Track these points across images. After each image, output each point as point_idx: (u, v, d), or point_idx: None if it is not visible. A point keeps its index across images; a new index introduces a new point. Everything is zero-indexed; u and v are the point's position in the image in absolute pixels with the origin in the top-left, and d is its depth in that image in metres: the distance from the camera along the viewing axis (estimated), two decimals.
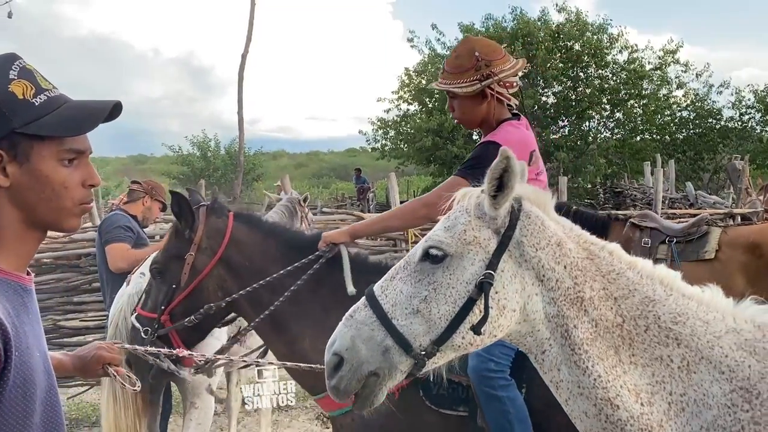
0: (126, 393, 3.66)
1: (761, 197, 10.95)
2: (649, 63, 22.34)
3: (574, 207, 4.61)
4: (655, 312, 1.59)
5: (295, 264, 2.65)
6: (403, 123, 23.78)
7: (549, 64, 20.50)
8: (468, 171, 2.44)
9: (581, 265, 1.63)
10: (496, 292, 1.59)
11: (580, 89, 22.03)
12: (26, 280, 1.27)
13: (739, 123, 24.36)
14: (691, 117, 24.41)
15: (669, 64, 22.50)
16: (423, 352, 1.60)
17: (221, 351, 2.84)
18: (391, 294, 1.64)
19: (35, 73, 1.26)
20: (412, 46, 23.27)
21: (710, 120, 24.23)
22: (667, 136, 23.81)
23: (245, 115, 12.56)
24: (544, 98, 22.07)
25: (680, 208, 11.40)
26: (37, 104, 1.22)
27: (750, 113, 24.39)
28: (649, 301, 1.60)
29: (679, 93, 23.91)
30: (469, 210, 1.66)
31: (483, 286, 1.57)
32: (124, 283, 3.91)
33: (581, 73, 22.04)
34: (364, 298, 1.68)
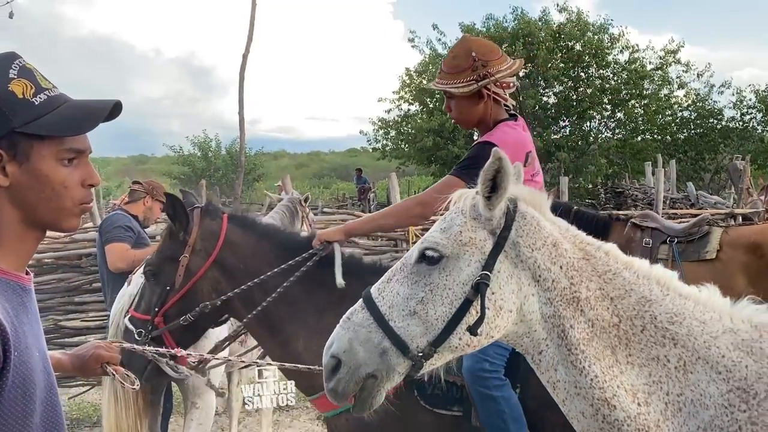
0: (127, 393, 3.66)
1: (762, 197, 10.93)
2: (650, 63, 22.32)
3: (575, 207, 4.62)
4: (651, 312, 1.59)
5: (289, 262, 2.65)
6: (404, 123, 23.77)
7: (550, 64, 20.48)
8: (463, 171, 2.45)
9: (577, 266, 1.63)
10: (493, 293, 1.59)
11: (581, 89, 22.00)
12: (25, 279, 1.27)
13: (741, 123, 24.32)
14: (692, 117, 24.38)
15: (670, 64, 22.47)
16: (420, 354, 1.60)
17: (214, 350, 2.84)
18: (388, 296, 1.64)
19: (35, 73, 1.26)
20: (412, 46, 23.29)
21: (711, 120, 24.19)
22: (668, 136, 23.77)
23: (246, 115, 12.57)
24: (545, 98, 22.05)
25: (681, 209, 11.38)
26: (37, 103, 1.22)
27: (751, 113, 24.36)
28: (646, 301, 1.60)
29: (680, 93, 23.92)
30: (464, 211, 1.67)
31: (479, 287, 1.57)
32: (125, 283, 3.91)
33: (582, 73, 22.02)
34: (361, 300, 1.68)
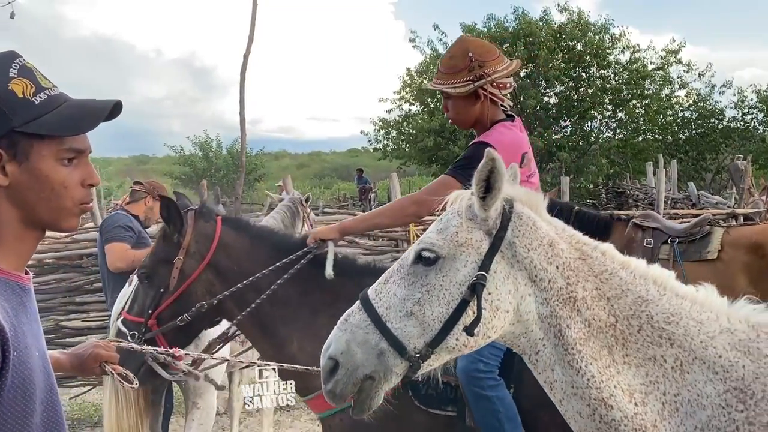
0: (128, 393, 3.66)
1: (764, 197, 10.93)
2: (651, 63, 22.29)
3: (576, 207, 4.61)
4: (648, 312, 1.59)
5: (284, 260, 2.65)
6: (405, 123, 23.76)
7: (551, 64, 20.46)
8: (458, 171, 2.46)
9: (573, 265, 1.63)
10: (489, 293, 1.59)
11: (582, 89, 21.97)
12: (25, 279, 1.27)
13: (742, 123, 24.30)
14: (694, 117, 24.35)
15: (671, 64, 22.44)
16: (417, 355, 1.60)
17: (208, 349, 2.84)
18: (385, 297, 1.64)
19: (35, 72, 1.25)
20: (413, 47, 23.25)
21: (713, 120, 24.17)
22: (669, 137, 23.75)
23: (247, 115, 12.56)
24: (546, 98, 22.02)
25: (683, 209, 11.38)
26: (37, 103, 1.21)
27: (752, 113, 24.34)
28: (642, 300, 1.60)
29: (682, 93, 23.89)
30: (460, 212, 1.67)
31: (476, 288, 1.57)
32: (126, 283, 3.91)
33: (583, 73, 21.99)
34: (358, 301, 1.68)
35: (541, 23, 21.50)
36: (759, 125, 24.46)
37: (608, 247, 1.70)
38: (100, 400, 5.93)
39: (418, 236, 6.51)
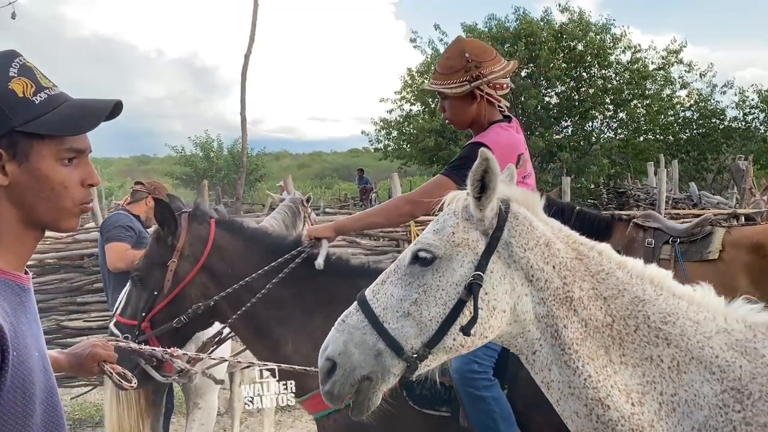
0: (129, 393, 3.66)
1: (765, 197, 10.92)
2: (652, 63, 22.27)
3: (577, 207, 4.62)
4: (644, 312, 1.59)
5: (279, 260, 2.65)
6: (406, 123, 23.74)
7: (552, 64, 20.44)
8: (453, 171, 2.47)
9: (570, 265, 1.63)
10: (486, 293, 1.59)
11: (583, 89, 21.96)
12: (24, 279, 1.27)
13: (743, 123, 24.29)
14: (695, 117, 24.33)
15: (672, 64, 22.42)
16: (415, 355, 1.60)
17: (203, 348, 2.84)
18: (382, 298, 1.65)
19: (35, 71, 1.25)
20: (414, 47, 23.23)
21: (714, 120, 24.14)
22: (670, 137, 23.73)
23: (248, 115, 12.56)
24: (547, 98, 21.99)
25: (684, 209, 11.38)
26: (37, 102, 1.21)
27: (754, 113, 24.33)
28: (639, 300, 1.60)
29: (683, 93, 23.87)
30: (456, 212, 1.67)
31: (472, 288, 1.58)
32: (128, 283, 3.90)
33: (584, 73, 21.97)
34: (356, 302, 1.68)
35: (542, 23, 21.48)
36: (760, 125, 24.44)
37: (605, 247, 1.70)
38: (101, 400, 5.93)
39: (418, 236, 6.53)
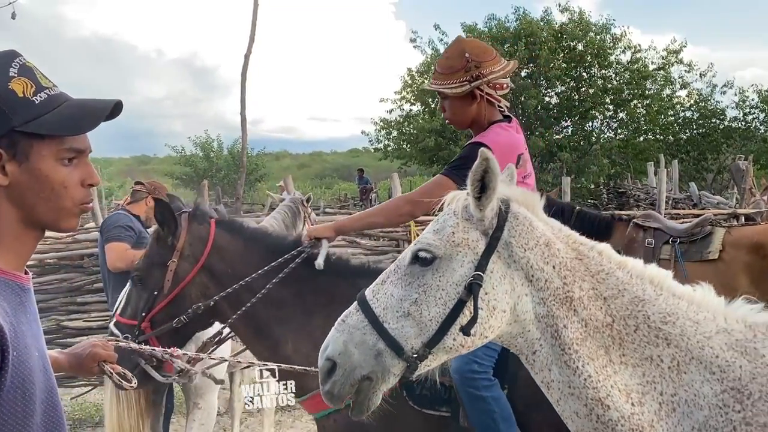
0: (129, 393, 3.66)
1: (765, 197, 10.92)
2: (652, 63, 22.27)
3: (577, 207, 4.62)
4: (644, 312, 1.59)
5: (279, 260, 2.65)
6: (406, 123, 23.73)
7: (552, 64, 20.44)
8: (453, 171, 2.47)
9: (570, 265, 1.63)
10: (486, 293, 1.60)
11: (583, 89, 21.95)
12: (24, 279, 1.27)
13: (743, 123, 24.29)
14: (695, 117, 24.33)
15: (672, 64, 22.42)
16: (415, 355, 1.60)
17: (202, 349, 2.84)
18: (382, 298, 1.65)
19: (35, 71, 1.25)
20: (414, 47, 23.22)
21: (714, 120, 24.15)
22: (670, 137, 23.73)
23: (248, 115, 12.56)
24: (547, 98, 21.99)
25: (684, 209, 11.37)
26: (37, 102, 1.21)
27: (754, 113, 24.33)
28: (639, 300, 1.60)
29: (683, 93, 23.87)
30: (456, 212, 1.68)
31: (472, 288, 1.58)
32: (128, 283, 3.90)
33: (584, 74, 21.96)
34: (356, 302, 1.68)
35: (542, 23, 21.48)
36: (760, 125, 24.44)
37: (605, 247, 1.70)
38: (101, 400, 5.93)
39: (418, 236, 6.53)
